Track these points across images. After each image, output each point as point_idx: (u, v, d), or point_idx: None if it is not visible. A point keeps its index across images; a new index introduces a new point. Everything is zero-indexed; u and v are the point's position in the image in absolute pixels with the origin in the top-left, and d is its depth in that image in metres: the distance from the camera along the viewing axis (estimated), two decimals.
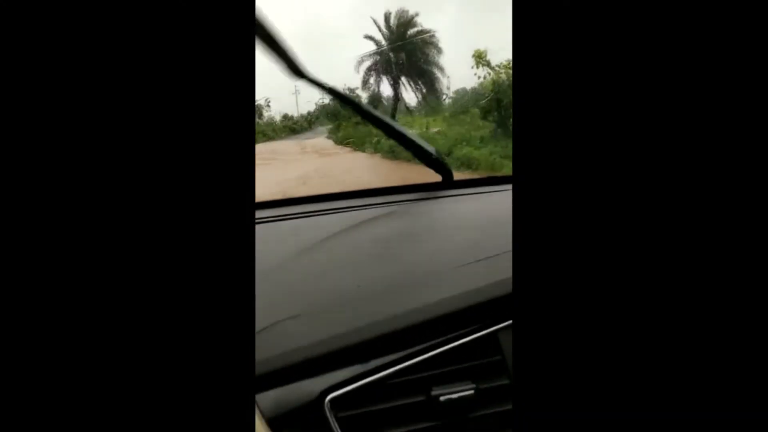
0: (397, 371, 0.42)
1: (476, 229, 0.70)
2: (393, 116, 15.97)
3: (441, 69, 18.42)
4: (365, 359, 0.42)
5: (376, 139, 13.93)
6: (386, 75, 18.88)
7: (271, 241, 0.70)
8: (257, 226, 0.74)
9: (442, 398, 0.41)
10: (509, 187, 0.95)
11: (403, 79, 18.96)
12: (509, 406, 0.43)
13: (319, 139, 18.62)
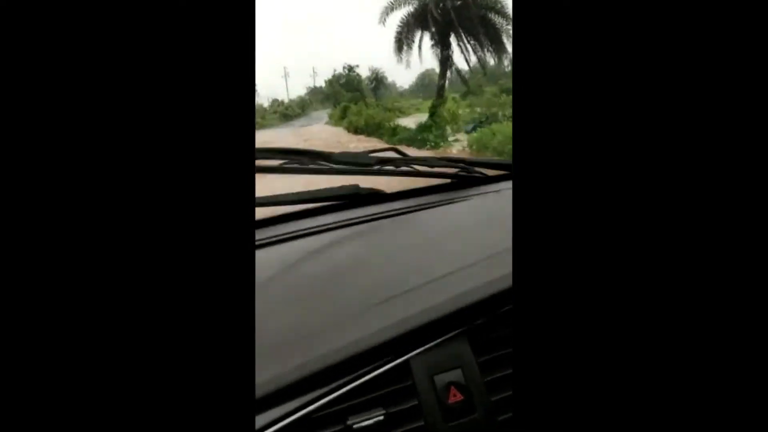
0: (318, 407, 0.47)
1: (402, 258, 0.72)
2: (441, 92, 11.60)
3: (506, 17, 11.49)
4: (293, 398, 0.46)
5: (394, 124, 11.45)
6: (429, 29, 11.93)
7: None
8: None
9: (355, 426, 0.46)
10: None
11: (454, 37, 12.00)
12: (420, 423, 0.48)
13: (319, 127, 15.97)
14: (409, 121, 11.14)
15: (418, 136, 9.27)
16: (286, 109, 24.78)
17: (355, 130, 12.31)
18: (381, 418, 0.47)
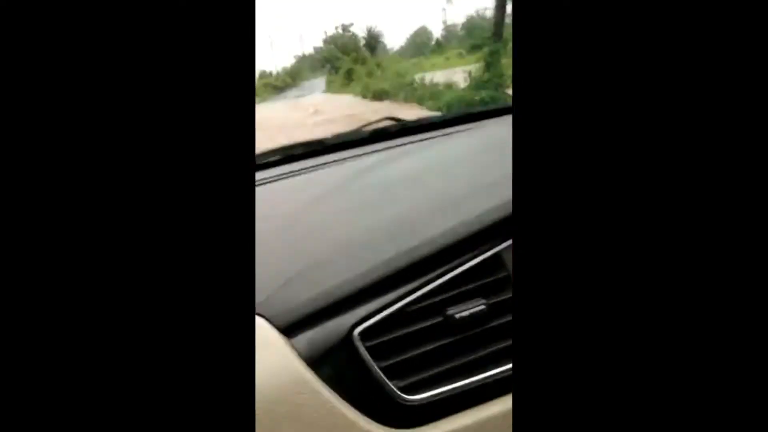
0: (414, 299, 0.46)
1: (470, 162, 0.76)
2: (499, 32, 8.54)
3: None
4: (384, 293, 0.46)
5: (430, 82, 8.78)
6: None
7: (276, 199, 0.75)
8: (263, 186, 0.81)
9: (456, 316, 0.46)
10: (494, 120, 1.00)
11: None
12: None
13: (320, 96, 13.31)
14: (439, 78, 8.54)
15: (475, 96, 6.44)
16: (276, 80, 22.04)
17: (373, 96, 9.68)
18: (483, 308, 0.47)
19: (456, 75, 7.96)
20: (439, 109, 6.28)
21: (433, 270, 0.48)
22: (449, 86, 7.61)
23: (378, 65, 11.60)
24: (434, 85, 7.94)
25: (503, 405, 0.46)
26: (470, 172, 0.70)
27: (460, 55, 11.00)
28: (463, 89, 7.04)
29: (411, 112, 6.63)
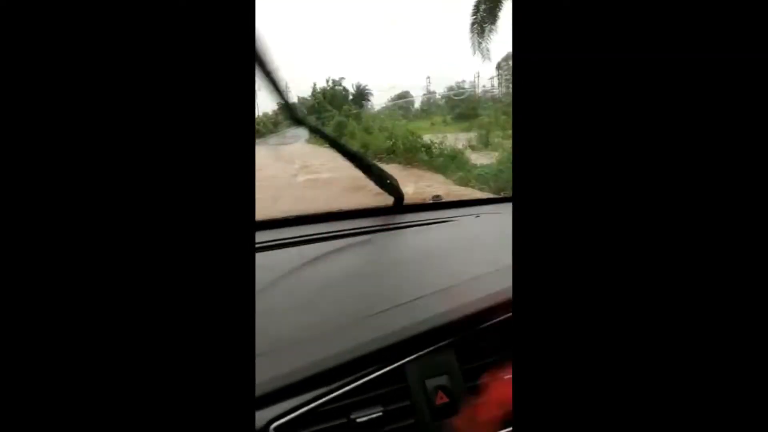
0: (325, 401, 0.52)
1: (410, 266, 0.84)
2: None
3: None
4: (300, 393, 0.52)
5: (433, 144, 8.01)
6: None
7: None
8: None
9: (357, 420, 0.53)
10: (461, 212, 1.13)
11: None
12: (411, 420, 0.54)
13: (304, 147, 12.46)
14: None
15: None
16: (258, 124, 21.48)
17: (375, 154, 8.73)
18: (380, 414, 0.54)
19: (455, 141, 7.27)
20: (463, 179, 5.42)
21: (343, 377, 0.54)
22: (460, 153, 6.79)
23: (373, 121, 10.95)
24: (456, 151, 7.08)
25: None
26: (395, 282, 0.76)
27: (445, 122, 11.14)
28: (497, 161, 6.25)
29: (431, 182, 5.74)
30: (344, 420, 0.53)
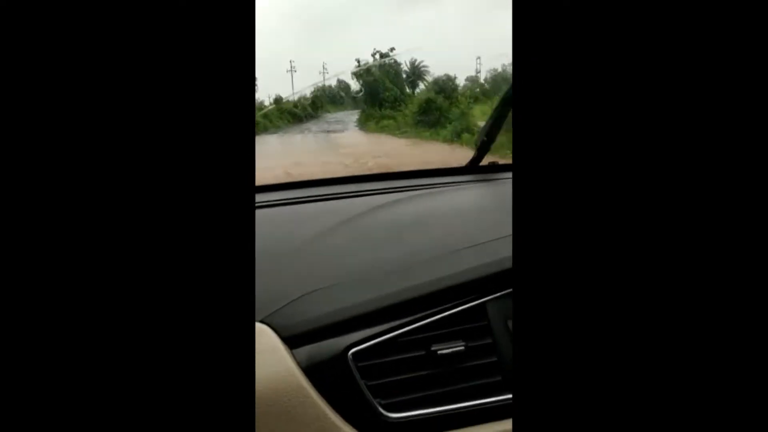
0: (404, 332, 0.56)
1: (476, 216, 0.90)
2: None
3: None
4: (380, 323, 0.55)
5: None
6: None
7: (293, 221, 0.90)
8: (279, 208, 0.96)
9: (439, 352, 0.56)
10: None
11: None
12: (493, 359, 0.57)
13: (354, 136, 10.46)
14: None
15: None
16: (295, 106, 19.58)
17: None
18: (461, 348, 0.58)
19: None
20: None
21: (424, 310, 0.58)
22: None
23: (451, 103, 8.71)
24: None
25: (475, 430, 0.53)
26: (474, 225, 0.81)
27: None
28: None
29: None
30: (424, 352, 0.57)
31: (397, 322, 0.57)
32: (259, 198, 1.03)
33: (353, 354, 0.54)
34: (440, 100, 8.75)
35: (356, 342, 0.55)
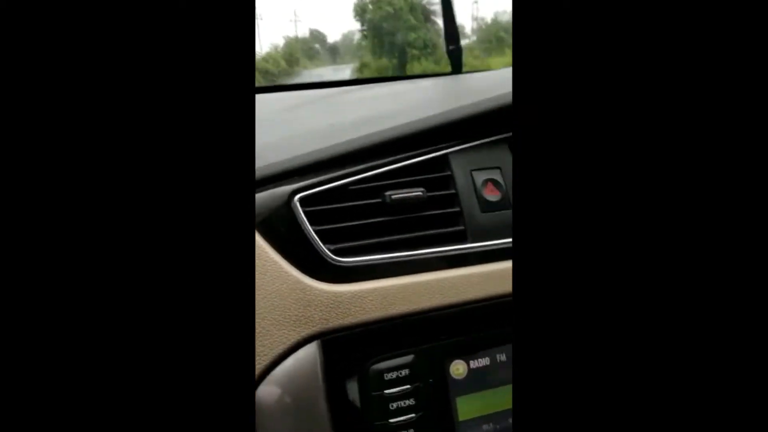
0: (358, 179, 0.49)
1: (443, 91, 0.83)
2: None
3: None
4: (330, 170, 0.49)
5: None
6: None
7: (275, 101, 0.85)
8: (264, 94, 0.91)
9: (393, 196, 0.49)
10: None
11: None
12: (457, 209, 0.51)
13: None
14: None
15: None
16: (266, 62, 16.72)
17: None
18: (419, 194, 0.50)
19: None
20: None
21: (380, 158, 0.50)
22: None
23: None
24: None
25: (433, 275, 0.49)
26: (445, 95, 0.76)
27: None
28: None
29: None
30: (379, 200, 0.51)
31: (351, 170, 0.50)
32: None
33: (300, 199, 0.48)
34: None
35: (303, 188, 0.49)
